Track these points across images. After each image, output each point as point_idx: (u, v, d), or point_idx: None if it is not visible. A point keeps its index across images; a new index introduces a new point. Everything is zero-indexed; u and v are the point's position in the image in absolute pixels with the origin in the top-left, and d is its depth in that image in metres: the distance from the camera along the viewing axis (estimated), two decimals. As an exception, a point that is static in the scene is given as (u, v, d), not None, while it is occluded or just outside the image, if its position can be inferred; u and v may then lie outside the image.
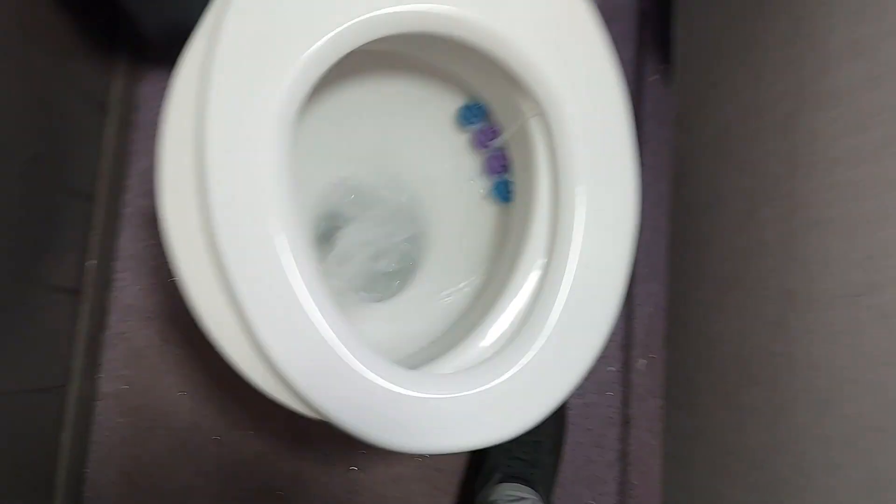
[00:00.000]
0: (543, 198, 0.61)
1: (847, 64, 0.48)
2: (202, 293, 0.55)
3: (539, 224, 0.61)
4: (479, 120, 0.72)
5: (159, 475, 0.92)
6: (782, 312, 0.58)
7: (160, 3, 0.79)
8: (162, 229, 0.55)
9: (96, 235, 0.89)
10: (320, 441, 0.94)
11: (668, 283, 0.83)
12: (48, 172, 0.77)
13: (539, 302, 0.58)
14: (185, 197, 0.54)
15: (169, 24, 0.83)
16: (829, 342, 0.52)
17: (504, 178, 0.71)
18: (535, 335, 0.56)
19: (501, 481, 0.83)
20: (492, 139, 0.71)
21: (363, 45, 0.57)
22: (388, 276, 0.74)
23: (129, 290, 0.94)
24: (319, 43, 0.54)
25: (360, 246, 0.72)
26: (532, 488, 0.82)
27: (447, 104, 0.73)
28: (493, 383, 0.55)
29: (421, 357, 0.63)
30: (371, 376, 0.52)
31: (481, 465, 0.89)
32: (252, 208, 0.52)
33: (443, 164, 0.75)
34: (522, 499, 0.80)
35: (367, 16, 0.55)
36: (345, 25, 0.55)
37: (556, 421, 0.94)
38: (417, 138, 0.75)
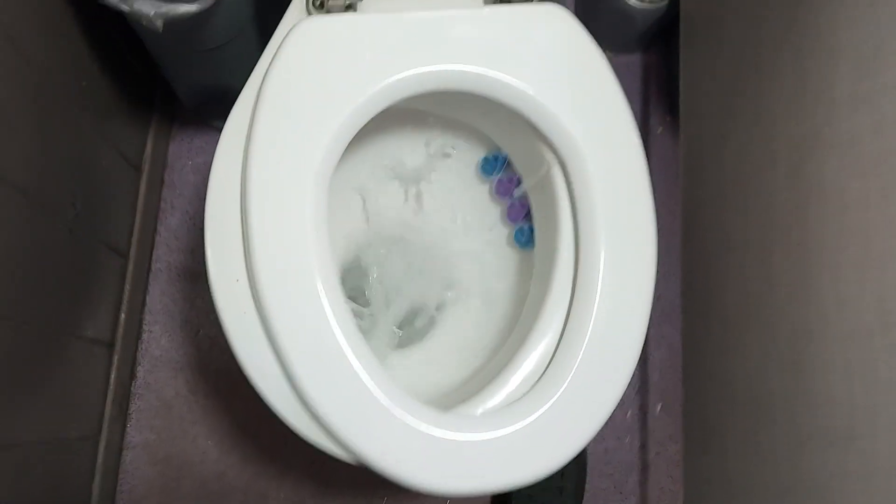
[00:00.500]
0: (565, 244, 0.63)
1: (852, 114, 0.52)
2: (244, 341, 0.57)
3: (561, 270, 0.63)
4: (500, 170, 0.76)
5: (186, 525, 0.93)
6: (798, 351, 0.60)
7: (198, 69, 0.84)
8: (207, 280, 0.58)
9: (127, 289, 0.92)
10: (344, 488, 0.95)
11: (682, 328, 0.85)
12: (89, 228, 0.80)
13: (563, 347, 0.60)
14: (229, 250, 0.58)
15: (203, 87, 0.88)
16: (845, 379, 0.54)
17: (525, 225, 0.74)
18: (559, 380, 0.58)
19: (525, 526, 0.83)
20: (513, 188, 0.74)
21: (392, 104, 0.61)
22: (415, 323, 0.77)
23: (157, 342, 0.97)
24: (356, 105, 0.58)
25: (388, 297, 0.76)
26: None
27: (469, 155, 0.77)
28: (520, 425, 0.56)
29: (450, 399, 0.65)
30: (406, 418, 0.54)
31: (504, 511, 0.90)
32: (294, 261, 0.55)
33: (465, 213, 0.78)
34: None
35: (400, 76, 0.59)
36: (380, 86, 0.59)
37: (578, 466, 0.95)
38: (441, 189, 0.79)
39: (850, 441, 0.54)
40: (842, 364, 0.55)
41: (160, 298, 0.98)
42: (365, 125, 0.61)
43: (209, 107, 0.95)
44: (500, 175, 0.76)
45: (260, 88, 0.59)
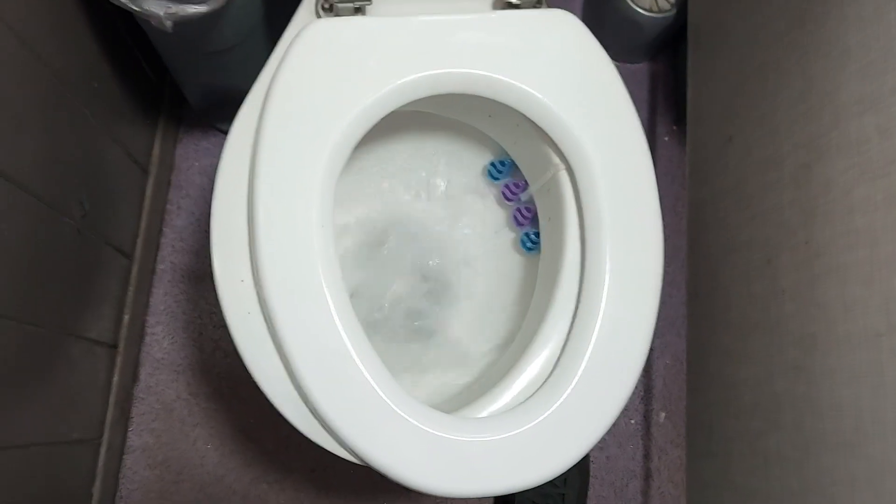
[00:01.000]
0: (570, 248, 0.63)
1: (859, 116, 0.52)
2: (249, 341, 0.57)
3: (567, 274, 0.63)
4: (506, 175, 0.76)
5: (186, 529, 0.92)
6: (803, 356, 0.60)
7: (207, 71, 0.84)
8: (213, 280, 0.58)
9: (131, 290, 0.92)
10: (344, 493, 0.95)
11: (687, 333, 0.84)
12: (96, 228, 0.81)
13: (568, 351, 0.60)
14: (234, 251, 0.58)
15: (211, 90, 0.89)
16: (851, 384, 0.54)
17: (531, 230, 0.74)
18: (563, 384, 0.57)
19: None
20: (519, 192, 0.75)
21: (400, 107, 0.61)
22: (420, 326, 0.76)
23: (159, 344, 0.96)
24: (363, 107, 0.59)
25: (393, 300, 0.76)
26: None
27: (476, 160, 0.77)
28: (524, 428, 0.56)
29: (455, 402, 0.65)
30: (411, 419, 0.53)
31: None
32: (299, 262, 0.55)
33: (471, 217, 0.79)
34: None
35: (409, 79, 0.59)
36: (387, 88, 0.59)
37: (580, 473, 0.94)
38: (446, 192, 0.79)
39: (857, 446, 0.54)
40: (848, 368, 0.54)
41: (163, 300, 0.98)
42: (373, 128, 0.61)
43: (217, 109, 0.95)
44: (506, 180, 0.77)
45: (268, 90, 0.59)
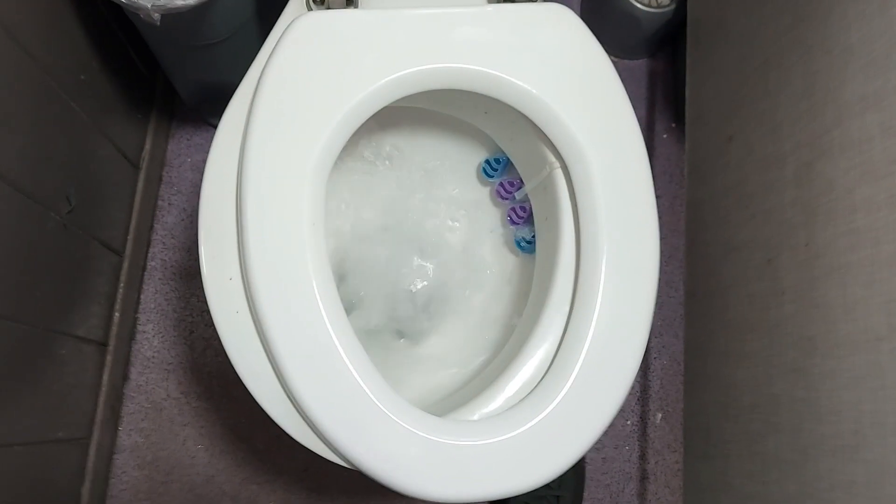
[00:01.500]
0: (566, 248, 0.63)
1: (862, 115, 0.51)
2: (237, 340, 0.56)
3: (561, 275, 0.62)
4: (501, 172, 0.75)
5: (175, 530, 0.91)
6: (803, 358, 0.59)
7: (197, 65, 0.83)
8: (201, 277, 0.57)
9: (122, 287, 0.91)
10: (335, 495, 0.94)
11: (685, 333, 0.84)
12: (84, 224, 0.79)
13: (563, 352, 0.59)
14: (223, 248, 0.57)
15: (202, 83, 0.87)
16: (851, 387, 0.53)
17: (526, 229, 0.73)
18: (558, 385, 0.57)
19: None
20: (513, 191, 0.73)
21: (393, 103, 0.60)
22: (412, 327, 0.75)
23: (150, 342, 0.95)
24: (354, 102, 0.57)
25: (384, 300, 0.74)
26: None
27: (471, 158, 0.76)
28: (518, 431, 0.55)
29: (447, 405, 0.64)
30: (401, 422, 0.52)
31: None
32: (289, 260, 0.54)
33: (465, 216, 0.77)
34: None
35: (401, 74, 0.58)
36: (379, 83, 0.58)
37: (576, 475, 0.93)
38: (441, 191, 0.78)
39: (857, 450, 0.53)
40: (848, 370, 0.54)
41: (154, 298, 0.97)
42: (365, 124, 0.60)
43: (209, 104, 0.94)
44: (501, 178, 0.76)
45: (258, 83, 0.58)
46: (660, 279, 0.60)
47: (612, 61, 0.62)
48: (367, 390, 0.52)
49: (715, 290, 0.75)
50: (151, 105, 0.97)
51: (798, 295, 0.60)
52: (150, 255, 0.98)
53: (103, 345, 0.88)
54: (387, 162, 0.76)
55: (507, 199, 0.75)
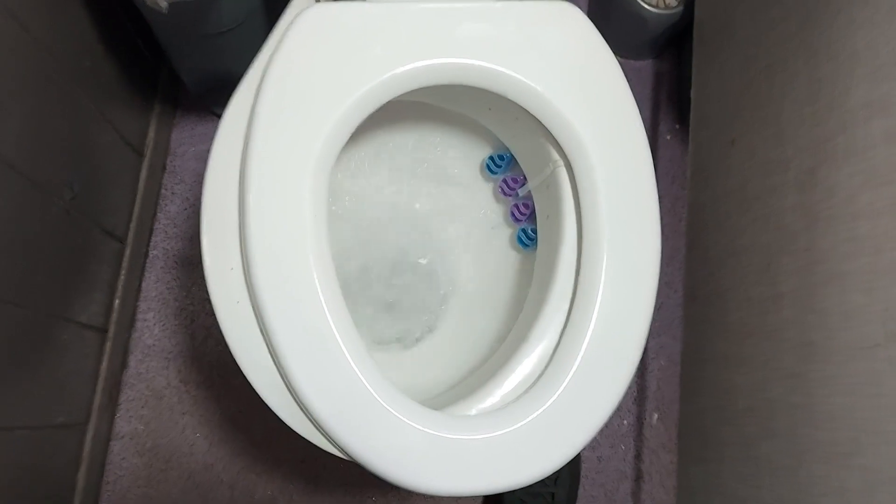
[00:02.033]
0: (567, 246, 0.63)
1: (867, 121, 0.51)
2: (237, 330, 0.56)
3: (562, 272, 0.62)
4: (505, 169, 0.75)
5: (171, 517, 0.92)
6: (800, 363, 0.59)
7: (203, 54, 0.83)
8: (203, 267, 0.57)
9: (123, 275, 0.91)
10: (333, 486, 0.94)
11: (684, 335, 0.84)
12: (86, 211, 0.79)
13: (562, 349, 0.59)
14: (225, 238, 0.57)
15: (207, 73, 0.87)
16: (848, 393, 0.53)
17: (528, 227, 0.73)
18: (556, 382, 0.57)
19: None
20: (517, 188, 0.73)
21: (398, 97, 0.60)
22: (412, 321, 0.76)
23: (150, 330, 0.96)
24: (359, 95, 0.57)
25: (386, 294, 0.74)
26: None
27: (474, 153, 0.76)
28: (515, 426, 0.55)
29: (444, 399, 0.64)
30: (400, 416, 0.52)
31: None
32: (290, 252, 0.54)
33: (468, 212, 0.77)
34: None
35: (406, 68, 0.58)
36: (384, 77, 0.58)
37: (571, 473, 0.94)
38: (444, 186, 0.78)
39: (852, 456, 0.53)
40: (845, 377, 0.54)
41: (155, 286, 0.97)
42: (370, 117, 0.60)
43: (214, 93, 0.94)
44: (504, 174, 0.76)
45: (263, 74, 0.58)
46: (660, 280, 0.60)
47: (618, 60, 0.62)
48: (366, 383, 0.53)
49: (714, 293, 0.75)
50: (156, 93, 0.97)
51: (797, 300, 0.60)
52: (152, 243, 0.98)
53: (103, 331, 0.88)
54: (390, 157, 0.76)
55: (510, 195, 0.75)
